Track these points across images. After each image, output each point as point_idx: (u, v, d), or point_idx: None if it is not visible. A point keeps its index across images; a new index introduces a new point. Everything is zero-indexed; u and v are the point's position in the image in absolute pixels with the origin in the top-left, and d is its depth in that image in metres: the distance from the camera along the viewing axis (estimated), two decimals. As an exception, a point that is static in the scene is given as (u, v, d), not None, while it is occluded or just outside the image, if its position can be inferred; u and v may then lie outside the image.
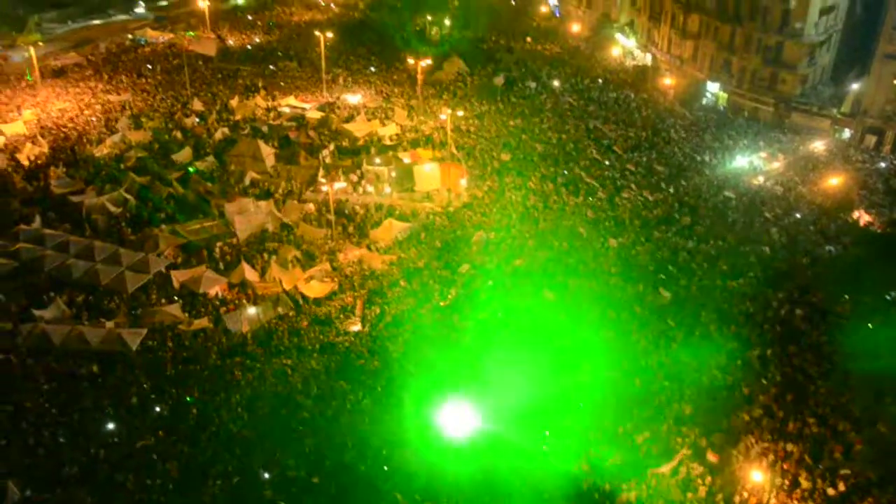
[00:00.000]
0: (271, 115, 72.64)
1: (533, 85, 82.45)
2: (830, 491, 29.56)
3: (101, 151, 61.80)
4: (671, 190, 56.86)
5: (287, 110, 73.99)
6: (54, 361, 37.81)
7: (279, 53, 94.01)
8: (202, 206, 53.23)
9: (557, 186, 56.90)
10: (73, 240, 47.18)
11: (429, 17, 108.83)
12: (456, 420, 32.55)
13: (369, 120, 70.30)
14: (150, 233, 48.99)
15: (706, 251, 47.78)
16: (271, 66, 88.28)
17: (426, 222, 52.67)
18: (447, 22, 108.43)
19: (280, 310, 42.40)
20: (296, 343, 39.75)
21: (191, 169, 58.56)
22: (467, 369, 36.05)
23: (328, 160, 61.86)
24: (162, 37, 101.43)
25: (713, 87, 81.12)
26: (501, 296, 42.43)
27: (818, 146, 68.26)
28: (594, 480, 30.47)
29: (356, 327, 40.98)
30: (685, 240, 49.31)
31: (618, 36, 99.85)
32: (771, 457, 31.20)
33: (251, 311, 41.71)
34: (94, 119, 70.16)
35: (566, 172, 59.39)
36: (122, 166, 58.69)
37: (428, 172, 57.92)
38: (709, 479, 30.49)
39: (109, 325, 40.00)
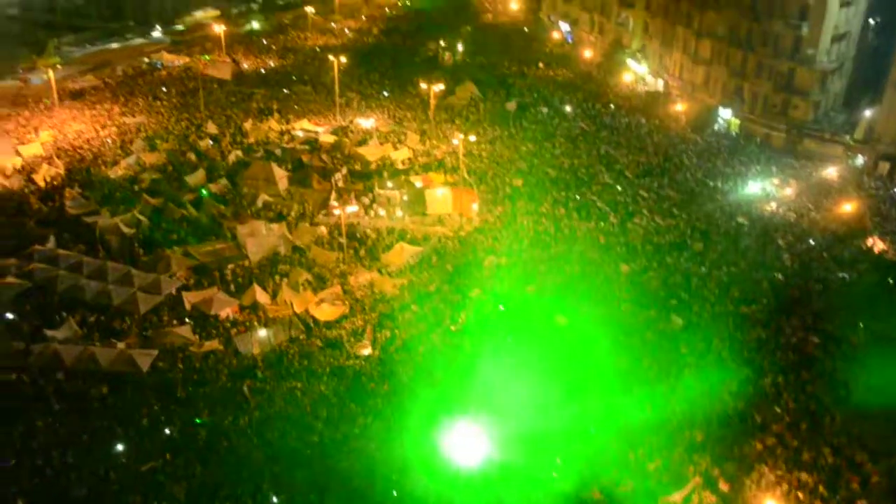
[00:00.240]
0: (285, 138, 73.05)
1: (545, 110, 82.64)
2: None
3: (115, 173, 62.29)
4: (683, 215, 56.73)
5: (300, 134, 74.42)
6: (65, 382, 37.86)
7: (293, 77, 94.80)
8: (215, 229, 53.47)
9: (569, 211, 56.88)
10: (86, 260, 47.46)
11: (442, 43, 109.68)
12: (466, 446, 32.33)
13: (382, 144, 70.63)
14: (162, 254, 49.16)
15: (718, 277, 47.55)
16: (285, 90, 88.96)
17: (437, 246, 52.69)
18: (460, 48, 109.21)
19: (291, 332, 42.37)
20: (306, 366, 39.68)
21: (204, 191, 58.90)
22: (477, 394, 35.83)
23: (341, 184, 62.09)
24: (178, 60, 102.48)
25: (725, 113, 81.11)
26: (512, 321, 42.28)
27: (831, 173, 68.04)
28: (605, 508, 30.18)
29: (367, 351, 40.89)
30: (697, 266, 49.10)
31: (629, 62, 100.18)
32: (785, 486, 30.84)
33: (262, 333, 41.72)
34: (109, 141, 70.82)
35: (578, 197, 59.38)
36: (136, 188, 59.15)
37: (440, 197, 58.05)
38: (721, 508, 30.17)
39: (121, 345, 40.09)
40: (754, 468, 31.79)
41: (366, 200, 59.10)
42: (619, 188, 61.87)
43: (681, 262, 49.47)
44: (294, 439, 34.28)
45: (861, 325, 41.60)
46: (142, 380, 38.05)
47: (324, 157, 67.37)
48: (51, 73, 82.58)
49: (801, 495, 30.43)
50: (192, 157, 66.34)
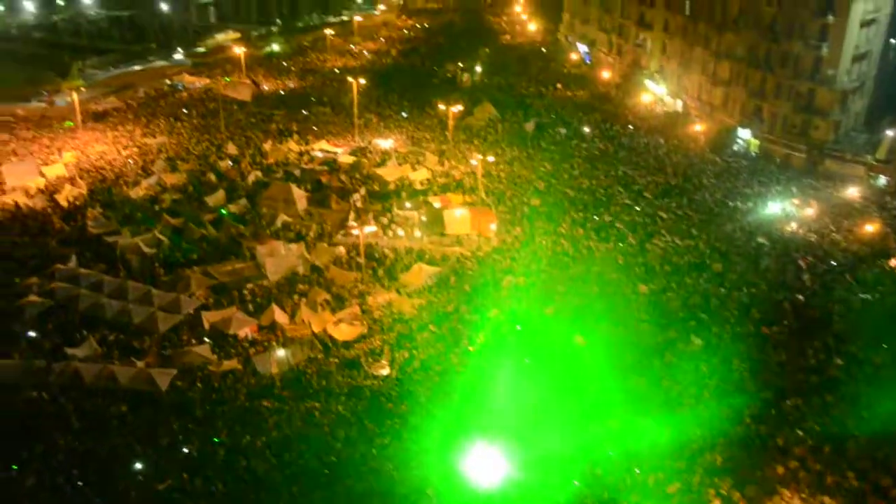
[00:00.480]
0: (304, 159, 73.59)
1: (563, 131, 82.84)
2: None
3: (137, 193, 62.96)
4: (702, 236, 56.45)
5: (319, 154, 74.97)
6: (85, 400, 38.06)
7: (312, 99, 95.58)
8: (234, 249, 53.76)
9: (587, 232, 56.76)
10: (107, 279, 47.84)
11: (460, 64, 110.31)
12: (483, 467, 32.11)
13: (400, 165, 70.90)
14: (182, 274, 49.47)
15: (738, 298, 47.16)
16: (304, 112, 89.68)
17: (456, 267, 52.66)
18: (478, 69, 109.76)
19: (309, 352, 42.42)
20: (324, 386, 39.67)
21: (224, 212, 59.36)
22: (495, 415, 35.64)
23: (359, 204, 62.35)
24: (199, 82, 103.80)
25: (744, 134, 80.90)
26: (531, 341, 42.12)
27: (852, 193, 67.53)
28: (625, 531, 29.85)
29: (384, 371, 40.84)
30: (717, 286, 48.73)
31: (648, 82, 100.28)
32: (807, 511, 30.38)
33: (280, 353, 41.79)
34: (131, 161, 71.63)
35: (596, 218, 59.30)
36: (156, 208, 59.74)
37: (458, 217, 58.16)
38: (743, 532, 29.73)
39: (140, 364, 40.26)
40: (776, 492, 31.34)
41: (384, 221, 59.28)
42: (637, 208, 61.74)
43: (700, 283, 49.14)
44: (312, 460, 34.19)
45: (885, 346, 41.05)
46: (160, 399, 38.17)
47: (342, 177, 67.75)
48: (74, 95, 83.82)
49: (824, 520, 30.01)
50: (213, 177, 66.91)
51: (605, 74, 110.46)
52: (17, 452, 33.72)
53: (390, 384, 39.73)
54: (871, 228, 57.98)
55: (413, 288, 49.64)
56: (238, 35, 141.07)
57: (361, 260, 51.75)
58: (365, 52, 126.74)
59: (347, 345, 43.46)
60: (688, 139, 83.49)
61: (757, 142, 79.34)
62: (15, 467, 32.88)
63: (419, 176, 68.26)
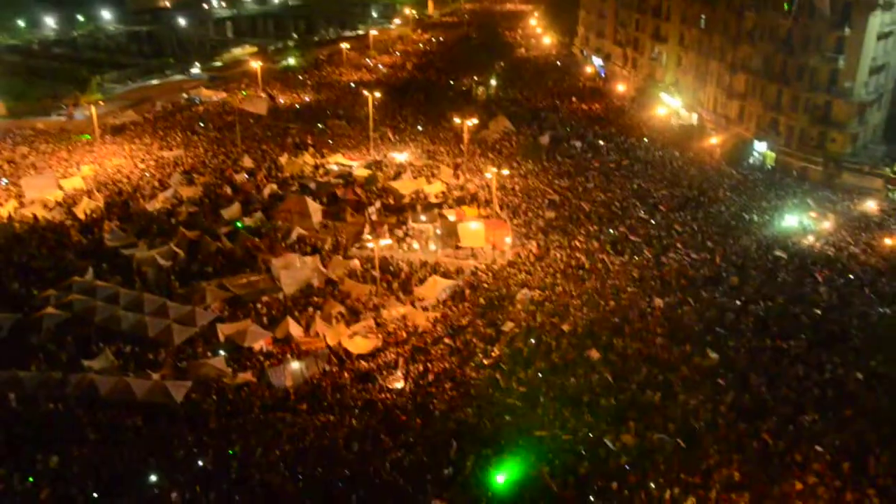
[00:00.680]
0: (319, 172, 73.96)
1: (578, 144, 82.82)
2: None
3: (153, 206, 63.41)
4: (718, 249, 56.11)
5: (335, 168, 75.34)
6: (100, 411, 38.20)
7: (328, 112, 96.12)
8: (249, 261, 53.97)
9: (603, 245, 56.59)
10: (123, 292, 48.10)
11: (475, 78, 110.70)
12: (497, 481, 31.88)
13: (415, 178, 71.13)
14: (197, 286, 49.69)
15: (755, 311, 46.77)
16: (320, 125, 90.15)
17: (471, 280, 52.64)
18: (493, 82, 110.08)
19: (324, 365, 42.42)
20: (338, 399, 39.60)
21: (239, 224, 59.64)
22: (510, 429, 35.46)
23: (374, 217, 62.55)
24: (215, 96, 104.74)
25: (760, 146, 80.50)
26: (545, 354, 41.93)
27: (871, 206, 66.98)
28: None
29: (399, 384, 40.75)
30: (733, 300, 48.37)
31: (663, 95, 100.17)
32: (827, 528, 29.94)
33: (295, 365, 41.79)
34: (148, 174, 72.20)
35: (611, 231, 59.14)
36: (173, 220, 60.09)
37: (473, 230, 58.16)
38: (761, 549, 29.33)
39: (155, 376, 40.41)
40: (795, 508, 30.93)
41: (399, 233, 59.41)
42: (652, 222, 61.52)
43: (716, 297, 48.80)
44: (326, 473, 34.08)
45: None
46: (175, 411, 38.24)
47: (358, 190, 68.00)
48: (93, 108, 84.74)
49: (844, 537, 29.56)
50: (228, 190, 67.31)
51: (621, 87, 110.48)
52: (33, 464, 33.82)
53: (405, 397, 39.63)
54: (889, 242, 57.44)
55: (428, 301, 49.64)
56: (255, 49, 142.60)
57: (376, 273, 51.81)
58: (380, 65, 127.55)
59: (362, 358, 43.43)
60: (703, 152, 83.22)
61: (773, 154, 78.91)
62: (31, 479, 32.97)
63: (434, 189, 68.43)
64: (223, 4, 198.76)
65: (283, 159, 75.91)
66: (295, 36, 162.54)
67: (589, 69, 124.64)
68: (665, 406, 37.12)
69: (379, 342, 44.74)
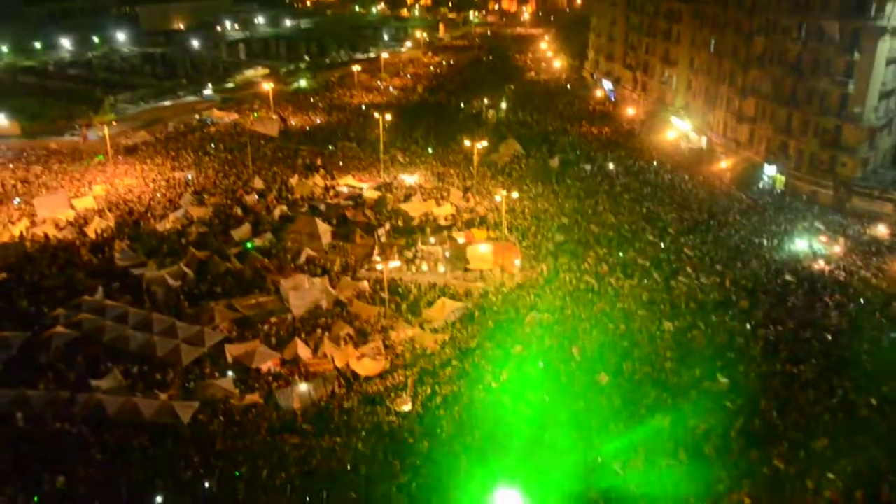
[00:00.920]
0: (329, 193, 74.23)
1: (588, 167, 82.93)
2: None
3: (164, 226, 63.71)
4: (728, 273, 55.87)
5: (345, 189, 75.62)
6: (107, 431, 38.17)
7: (339, 134, 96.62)
8: (259, 282, 54.03)
9: (612, 268, 56.43)
10: (132, 311, 48.18)
11: (485, 101, 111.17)
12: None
13: (425, 200, 71.26)
14: (206, 306, 49.76)
15: (765, 336, 46.50)
16: (330, 147, 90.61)
17: (479, 302, 52.51)
18: (503, 105, 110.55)
19: (332, 387, 42.30)
20: (345, 421, 39.46)
21: (249, 245, 59.82)
22: (518, 454, 35.22)
23: (384, 239, 62.64)
24: (227, 117, 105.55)
25: (770, 170, 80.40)
26: (554, 378, 41.73)
27: (881, 230, 66.69)
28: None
29: (407, 407, 40.56)
30: (743, 324, 48.10)
31: (673, 119, 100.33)
32: (839, 557, 29.53)
33: (302, 387, 41.66)
34: (159, 194, 72.63)
35: (621, 254, 58.99)
36: (183, 241, 60.33)
37: (482, 252, 58.13)
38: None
39: (163, 397, 40.37)
40: (806, 536, 30.57)
41: (408, 255, 59.44)
42: (662, 245, 61.38)
43: (726, 321, 48.53)
44: (333, 496, 33.89)
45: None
46: (182, 431, 38.18)
47: (367, 212, 68.19)
48: (106, 129, 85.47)
49: (856, 567, 29.15)
50: (239, 211, 67.60)
51: (630, 111, 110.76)
52: (39, 484, 33.78)
53: (412, 420, 39.44)
54: (900, 267, 57.12)
55: (436, 323, 49.50)
56: (267, 71, 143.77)
57: (385, 294, 51.78)
58: (391, 88, 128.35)
59: (370, 380, 43.30)
60: (713, 175, 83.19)
61: (783, 178, 78.76)
62: (36, 499, 32.92)
63: (444, 211, 68.54)
64: (236, 27, 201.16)
65: (294, 181, 76.29)
66: (307, 58, 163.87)
67: (599, 93, 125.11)
68: (675, 431, 36.83)
69: (387, 364, 44.62)
